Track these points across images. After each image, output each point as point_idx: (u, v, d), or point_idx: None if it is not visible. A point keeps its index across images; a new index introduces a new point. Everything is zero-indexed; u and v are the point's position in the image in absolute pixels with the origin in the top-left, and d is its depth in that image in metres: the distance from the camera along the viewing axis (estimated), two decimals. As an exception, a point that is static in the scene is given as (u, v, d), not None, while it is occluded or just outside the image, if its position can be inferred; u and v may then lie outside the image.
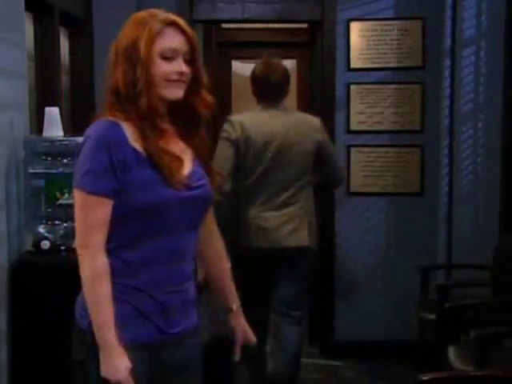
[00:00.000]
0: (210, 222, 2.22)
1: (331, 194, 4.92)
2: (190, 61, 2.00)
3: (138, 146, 1.95)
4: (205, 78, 2.05)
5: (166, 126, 2.04)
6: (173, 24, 1.98)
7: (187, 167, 2.04)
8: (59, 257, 3.04)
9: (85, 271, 1.94)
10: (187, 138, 2.08)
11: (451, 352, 3.44)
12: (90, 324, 1.94)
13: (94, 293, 1.93)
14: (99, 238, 1.93)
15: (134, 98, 1.94)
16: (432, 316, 4.07)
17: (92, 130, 1.95)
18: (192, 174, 2.04)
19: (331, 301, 5.02)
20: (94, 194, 1.91)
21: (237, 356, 2.23)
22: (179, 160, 2.00)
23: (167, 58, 1.96)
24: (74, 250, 2.98)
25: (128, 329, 1.95)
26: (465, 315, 3.73)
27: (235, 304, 2.26)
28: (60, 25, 3.91)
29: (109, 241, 1.96)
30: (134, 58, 1.94)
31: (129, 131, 1.95)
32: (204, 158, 2.11)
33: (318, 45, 5.14)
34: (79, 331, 2.01)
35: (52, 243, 3.03)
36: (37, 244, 3.05)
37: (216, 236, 2.25)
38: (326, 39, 4.88)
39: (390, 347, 4.86)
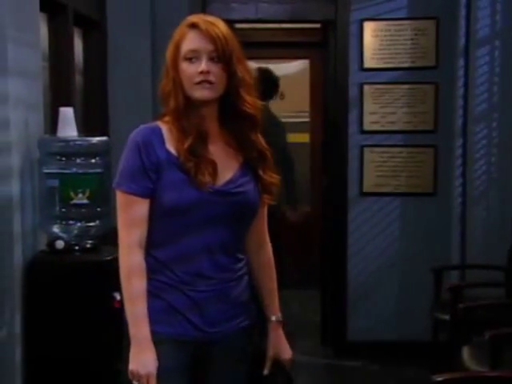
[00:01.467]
0: (259, 231, 2.21)
1: (344, 194, 4.92)
2: (219, 60, 2.00)
3: (172, 147, 2.02)
4: (244, 77, 2.04)
5: (210, 127, 2.07)
6: (194, 26, 2.01)
7: (229, 171, 2.07)
8: (73, 257, 3.05)
9: (121, 268, 2.03)
10: (236, 141, 2.10)
11: (465, 353, 3.42)
12: None
13: (128, 289, 2.01)
14: (135, 236, 2.02)
15: (165, 101, 2.05)
16: (446, 317, 4.05)
17: (131, 134, 2.05)
18: (234, 180, 2.07)
19: (344, 301, 5.01)
20: (128, 193, 2.01)
21: (266, 370, 2.21)
22: (210, 163, 2.02)
23: (189, 59, 2.01)
24: (88, 250, 3.04)
25: (162, 323, 2.03)
26: (478, 316, 3.71)
27: (274, 316, 2.24)
28: (74, 25, 3.92)
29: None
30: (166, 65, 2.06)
31: (167, 134, 2.03)
32: (253, 163, 2.11)
33: (331, 45, 5.13)
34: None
35: (66, 243, 3.04)
36: (51, 244, 3.06)
37: (265, 243, 2.24)
38: (340, 39, 4.88)
39: (404, 348, 4.84)
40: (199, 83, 2.00)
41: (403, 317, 4.95)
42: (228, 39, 2.02)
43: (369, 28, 4.81)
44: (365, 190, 4.92)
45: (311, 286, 6.01)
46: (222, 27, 2.03)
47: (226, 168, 2.06)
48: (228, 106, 2.06)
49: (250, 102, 2.05)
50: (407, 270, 4.94)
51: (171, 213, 2.01)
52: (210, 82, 2.00)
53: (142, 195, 2.01)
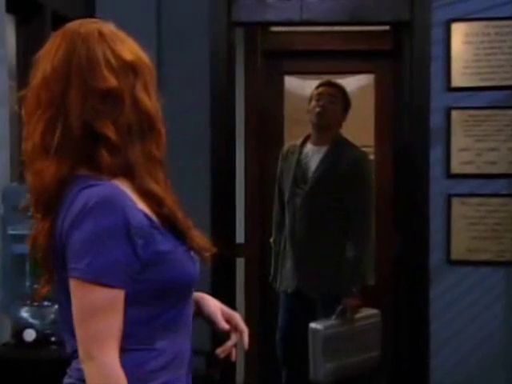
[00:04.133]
0: None
1: (424, 262, 4.88)
2: None
3: (145, 208, 2.04)
4: None
5: None
6: None
7: None
8: (48, 351, 3.05)
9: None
10: None
11: None
12: None
13: None
14: (114, 346, 1.97)
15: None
16: None
17: (93, 200, 1.96)
18: None
19: (426, 413, 4.94)
20: (106, 287, 1.95)
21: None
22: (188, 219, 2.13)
23: None
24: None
25: None
26: None
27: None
28: (52, 30, 3.96)
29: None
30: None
31: (131, 192, 2.04)
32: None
33: (405, 55, 5.15)
34: None
35: (39, 332, 3.04)
36: (18, 334, 3.05)
37: None
38: (417, 47, 4.88)
39: None
40: None
41: None
42: None
43: (459, 31, 4.82)
44: (454, 258, 4.89)
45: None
46: None
47: None
48: None
49: None
50: (517, 369, 4.88)
51: (166, 299, 2.05)
52: None
53: (127, 288, 1.98)
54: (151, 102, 2.09)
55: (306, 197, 5.13)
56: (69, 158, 2.01)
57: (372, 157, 6.70)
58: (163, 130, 2.12)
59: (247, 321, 6.01)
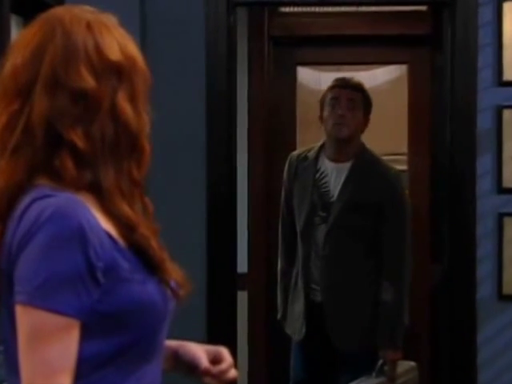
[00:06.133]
0: None
1: (470, 296, 4.88)
2: None
3: (111, 230, 2.07)
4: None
5: None
6: None
7: None
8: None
9: None
10: None
11: None
12: None
13: None
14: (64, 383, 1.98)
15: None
16: None
17: (48, 211, 1.98)
18: None
19: None
20: (59, 314, 1.96)
21: None
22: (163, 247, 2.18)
23: None
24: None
25: None
26: None
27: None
28: (12, 11, 3.97)
29: None
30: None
31: (94, 210, 2.06)
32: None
33: (445, 42, 5.15)
34: None
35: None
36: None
37: None
38: (460, 32, 4.89)
39: None
40: None
41: None
42: None
43: (512, 12, 4.84)
44: (506, 292, 4.89)
45: None
46: None
47: None
48: None
49: None
50: None
51: (138, 344, 2.09)
52: None
53: (82, 314, 1.98)
54: (136, 113, 2.12)
55: (330, 231, 5.08)
56: (27, 162, 2.03)
57: (405, 167, 6.69)
58: (148, 148, 2.15)
59: (251, 368, 6.04)
